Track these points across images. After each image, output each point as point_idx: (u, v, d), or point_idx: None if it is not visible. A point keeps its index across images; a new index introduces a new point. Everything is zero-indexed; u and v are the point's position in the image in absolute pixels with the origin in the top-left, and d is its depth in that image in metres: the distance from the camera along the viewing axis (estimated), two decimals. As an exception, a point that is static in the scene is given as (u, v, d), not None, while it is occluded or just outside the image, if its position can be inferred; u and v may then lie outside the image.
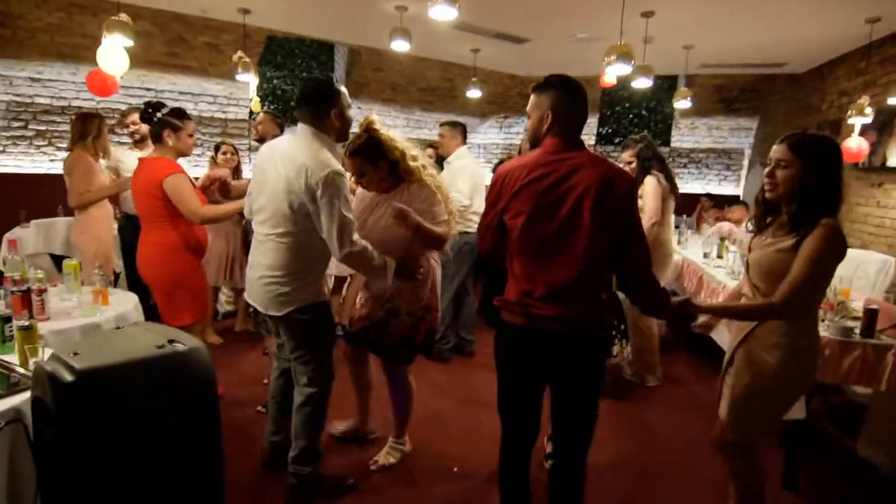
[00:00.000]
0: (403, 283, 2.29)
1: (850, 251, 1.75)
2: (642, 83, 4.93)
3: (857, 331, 2.41)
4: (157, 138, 2.68)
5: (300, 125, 2.08)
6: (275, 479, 2.36)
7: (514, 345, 1.77)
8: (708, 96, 7.53)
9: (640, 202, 3.41)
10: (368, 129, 2.26)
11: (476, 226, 3.79)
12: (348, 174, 2.19)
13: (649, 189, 3.41)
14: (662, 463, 2.72)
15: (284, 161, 2.01)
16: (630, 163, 3.51)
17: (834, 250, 1.66)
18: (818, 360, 1.87)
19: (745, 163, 7.90)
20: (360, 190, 2.46)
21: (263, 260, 2.10)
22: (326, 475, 2.33)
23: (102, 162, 3.57)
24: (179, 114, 2.72)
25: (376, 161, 2.26)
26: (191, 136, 2.73)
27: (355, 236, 2.03)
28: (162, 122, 2.64)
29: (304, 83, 2.19)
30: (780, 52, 5.83)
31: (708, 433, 2.04)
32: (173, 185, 2.55)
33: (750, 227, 1.95)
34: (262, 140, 3.96)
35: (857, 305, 2.64)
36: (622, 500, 2.41)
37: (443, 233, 2.29)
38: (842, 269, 3.64)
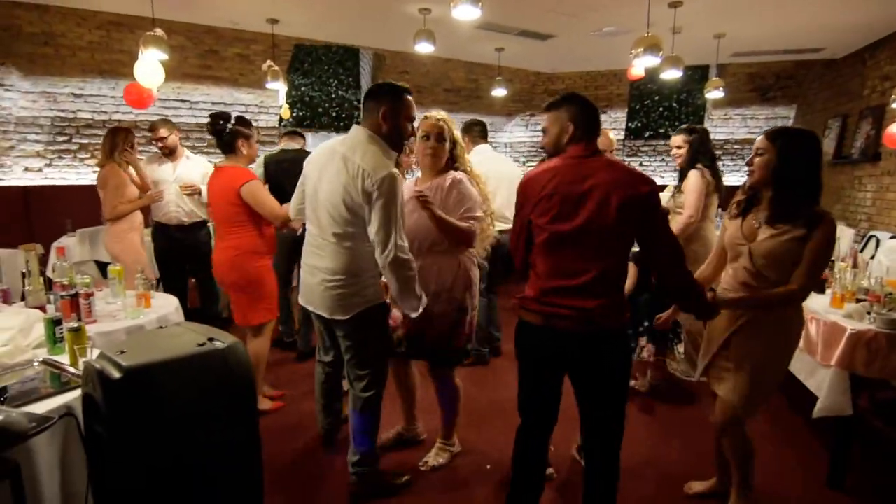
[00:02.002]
0: (440, 286, 2.31)
1: (896, 242, 1.83)
2: (672, 74, 4.83)
3: (907, 323, 2.32)
4: (230, 148, 2.85)
5: (356, 128, 2.09)
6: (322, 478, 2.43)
7: (531, 342, 1.83)
8: (741, 85, 7.33)
9: (680, 197, 3.26)
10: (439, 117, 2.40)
11: (497, 226, 3.78)
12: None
13: (692, 184, 3.19)
14: (696, 455, 2.66)
15: (342, 163, 2.00)
16: (679, 147, 3.29)
17: (834, 239, 1.85)
18: (802, 320, 2.03)
19: (783, 153, 7.65)
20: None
21: (323, 264, 2.10)
22: (384, 472, 2.39)
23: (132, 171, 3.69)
24: (247, 122, 2.92)
25: (443, 140, 2.36)
26: (258, 142, 2.97)
27: (405, 244, 2.00)
28: (234, 132, 2.83)
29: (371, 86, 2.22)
30: (817, 36, 5.63)
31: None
32: (250, 191, 2.75)
33: (734, 210, 2.06)
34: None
35: (906, 297, 2.53)
36: (656, 492, 2.37)
37: (466, 228, 2.27)
38: (888, 261, 3.54)
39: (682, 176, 3.32)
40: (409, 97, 2.11)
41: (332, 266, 2.07)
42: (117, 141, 3.54)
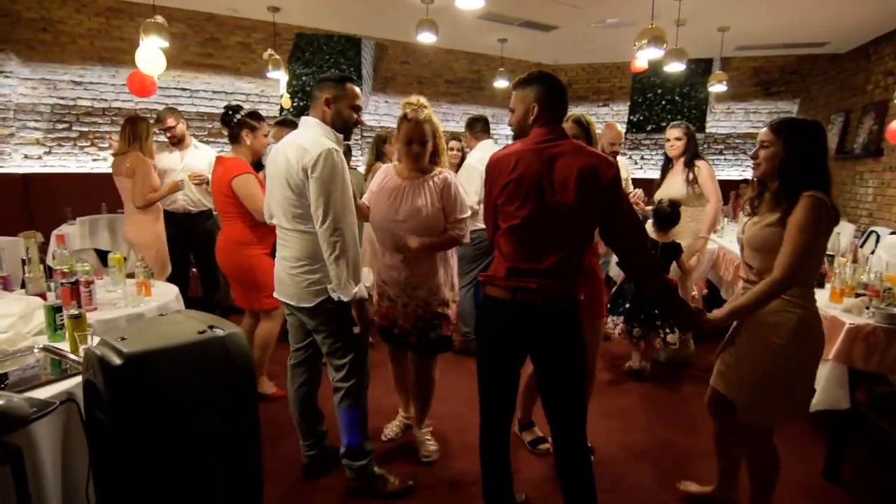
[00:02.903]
0: (446, 275, 2.38)
1: (896, 237, 1.75)
2: (675, 67, 4.80)
3: (906, 318, 2.32)
4: (235, 138, 2.94)
5: (305, 118, 2.11)
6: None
7: (497, 318, 1.85)
8: (745, 79, 7.29)
9: (692, 188, 3.52)
10: (422, 117, 2.33)
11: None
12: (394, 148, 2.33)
13: (706, 173, 3.48)
14: (697, 448, 2.68)
15: (288, 149, 2.03)
16: (679, 139, 3.57)
17: (819, 218, 1.71)
18: (821, 327, 1.90)
19: (785, 148, 7.62)
20: (382, 174, 2.48)
21: (288, 253, 2.12)
22: (382, 476, 2.31)
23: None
24: (255, 115, 2.98)
25: (424, 143, 2.32)
26: (265, 135, 3.02)
27: (348, 220, 1.97)
28: (241, 123, 2.91)
29: None
30: (822, 30, 5.59)
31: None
32: (241, 185, 2.81)
33: (748, 209, 2.01)
34: None
35: (906, 292, 2.53)
36: (655, 483, 2.39)
37: (456, 236, 2.36)
38: (888, 256, 3.53)
39: (670, 165, 3.67)
40: (352, 85, 2.11)
41: (294, 253, 2.09)
42: (139, 131, 3.56)
